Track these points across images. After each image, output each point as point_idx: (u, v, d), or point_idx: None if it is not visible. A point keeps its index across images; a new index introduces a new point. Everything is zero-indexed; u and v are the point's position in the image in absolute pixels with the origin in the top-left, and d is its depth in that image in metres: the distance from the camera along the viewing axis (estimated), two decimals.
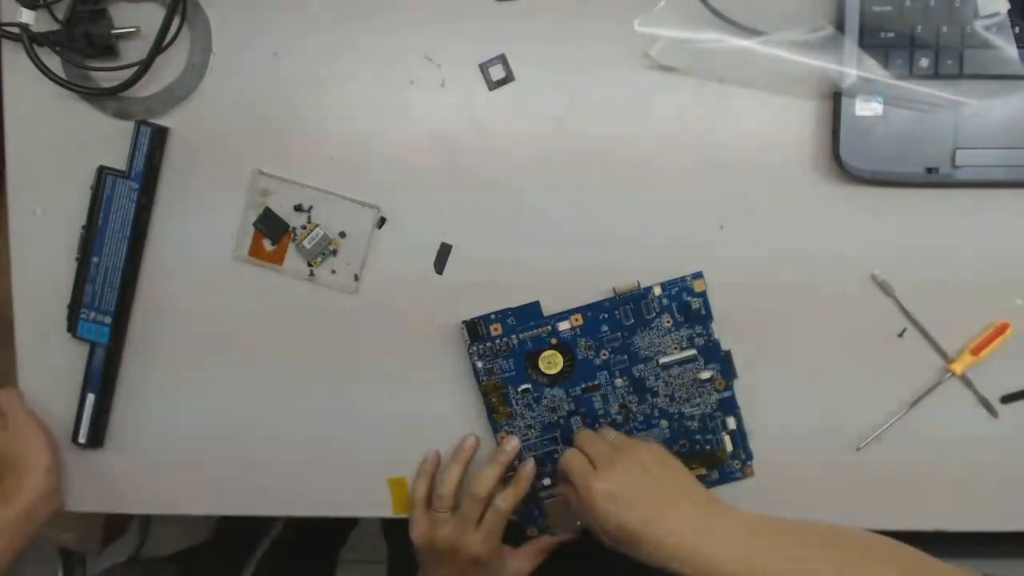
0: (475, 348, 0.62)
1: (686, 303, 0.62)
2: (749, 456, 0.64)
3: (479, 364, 0.62)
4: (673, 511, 0.53)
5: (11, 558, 0.60)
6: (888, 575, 0.49)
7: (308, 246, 0.63)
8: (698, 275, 0.62)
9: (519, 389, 0.63)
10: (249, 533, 1.18)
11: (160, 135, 0.62)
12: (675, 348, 0.62)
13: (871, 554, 0.50)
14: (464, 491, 0.62)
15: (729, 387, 0.63)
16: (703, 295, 0.62)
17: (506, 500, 0.62)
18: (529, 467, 0.63)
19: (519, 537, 0.66)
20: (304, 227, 0.63)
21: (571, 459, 0.58)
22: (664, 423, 0.63)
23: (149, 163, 0.62)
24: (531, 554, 0.66)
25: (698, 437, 0.64)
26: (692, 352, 0.62)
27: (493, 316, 0.62)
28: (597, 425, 0.63)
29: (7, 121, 0.64)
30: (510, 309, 0.62)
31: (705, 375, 0.63)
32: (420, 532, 0.64)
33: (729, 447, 0.63)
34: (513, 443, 0.63)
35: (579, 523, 0.65)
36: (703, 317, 0.62)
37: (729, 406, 0.63)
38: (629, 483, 0.55)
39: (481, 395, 0.63)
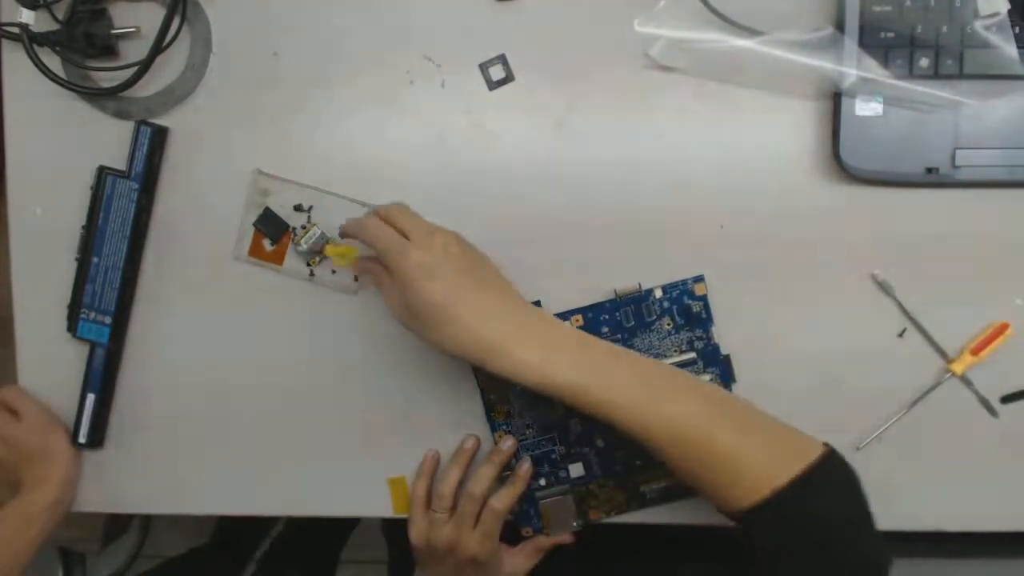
0: None
1: (687, 306, 0.62)
2: None
3: None
4: (485, 295, 0.51)
5: (43, 541, 0.63)
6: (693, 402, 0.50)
7: (305, 247, 0.63)
8: (699, 278, 0.62)
9: (518, 389, 0.63)
10: (249, 533, 1.19)
11: (160, 135, 0.62)
12: (675, 351, 0.62)
13: (670, 379, 0.52)
14: (461, 491, 0.62)
15: (728, 391, 0.63)
16: (704, 298, 0.62)
17: (502, 500, 0.62)
18: (526, 467, 0.63)
19: (517, 537, 0.66)
20: (304, 227, 0.63)
21: (379, 230, 0.52)
22: None
23: (149, 163, 0.62)
24: (528, 553, 0.66)
25: None
26: (692, 355, 0.62)
27: None
28: (595, 426, 0.63)
29: (7, 121, 0.64)
30: None
31: (704, 379, 0.63)
32: (418, 532, 0.64)
33: None
34: (510, 442, 0.63)
35: (575, 524, 0.65)
36: (703, 320, 0.62)
37: None
38: (447, 259, 0.51)
39: (480, 394, 0.63)
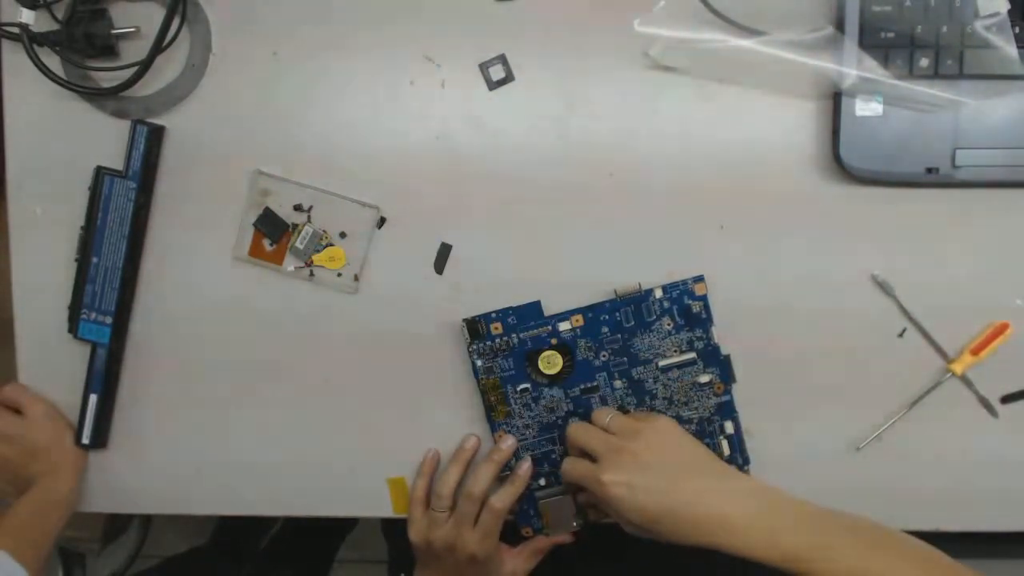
0: (475, 346, 0.62)
1: (687, 306, 0.62)
2: (746, 461, 0.64)
3: (479, 363, 0.62)
4: (688, 482, 0.53)
5: (61, 530, 0.64)
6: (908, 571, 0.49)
7: (300, 246, 0.63)
8: (699, 279, 0.62)
9: (518, 388, 0.63)
10: (249, 533, 1.19)
11: (156, 134, 0.62)
12: (675, 351, 0.62)
13: (893, 546, 0.51)
14: (460, 490, 0.62)
15: (728, 391, 0.63)
16: (704, 298, 0.62)
17: (502, 499, 0.62)
18: (526, 466, 0.63)
19: (517, 537, 0.66)
20: (295, 225, 0.63)
21: (572, 468, 0.57)
22: None
23: (146, 162, 0.62)
24: (528, 554, 0.66)
25: None
26: (692, 356, 0.62)
27: (494, 315, 0.62)
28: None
29: (7, 121, 0.64)
30: (511, 308, 0.62)
31: (704, 379, 0.63)
32: (417, 531, 0.64)
33: (727, 451, 0.63)
34: (509, 442, 0.63)
35: (575, 524, 0.65)
36: (703, 321, 0.62)
37: (727, 410, 0.63)
38: (638, 467, 0.54)
39: (480, 394, 0.63)
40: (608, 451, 0.55)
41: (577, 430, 0.59)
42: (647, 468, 0.54)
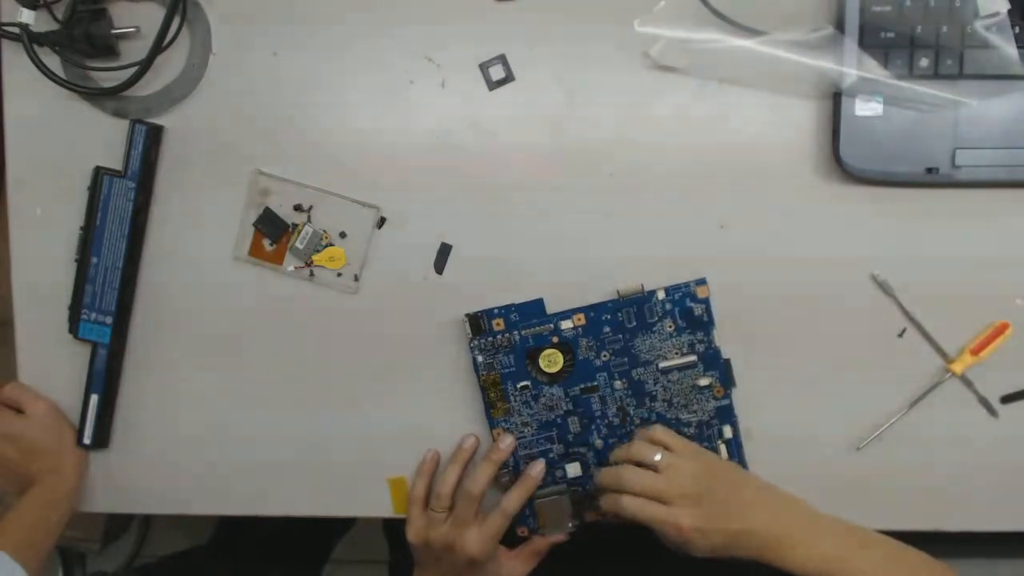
0: (476, 342, 0.62)
1: (689, 308, 0.62)
2: (744, 467, 0.63)
3: (480, 359, 0.63)
4: (748, 512, 0.56)
5: (62, 529, 0.64)
6: None
7: (300, 246, 0.63)
8: (701, 281, 0.61)
9: (518, 386, 0.63)
10: (249, 533, 1.18)
11: (155, 133, 0.62)
12: (676, 353, 0.62)
13: (909, 561, 0.56)
14: (459, 490, 0.62)
15: (727, 395, 0.63)
16: (706, 301, 0.62)
17: (511, 501, 0.61)
18: (538, 468, 0.63)
19: (514, 539, 0.66)
20: (295, 225, 0.63)
21: (641, 509, 0.56)
22: None
23: (145, 162, 0.62)
24: (527, 556, 0.65)
25: None
26: (692, 358, 0.62)
27: (496, 311, 0.62)
28: (594, 426, 0.63)
29: (7, 121, 0.64)
30: (513, 305, 0.62)
31: (704, 382, 0.62)
32: (416, 531, 0.63)
33: (725, 456, 0.63)
34: (508, 441, 0.63)
35: (571, 524, 0.65)
36: (705, 323, 0.62)
37: (726, 415, 0.63)
38: (710, 511, 0.55)
39: (480, 391, 0.63)
40: (680, 497, 0.56)
41: (632, 476, 0.57)
42: (715, 508, 0.55)
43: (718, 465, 0.59)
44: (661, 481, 0.57)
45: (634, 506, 0.56)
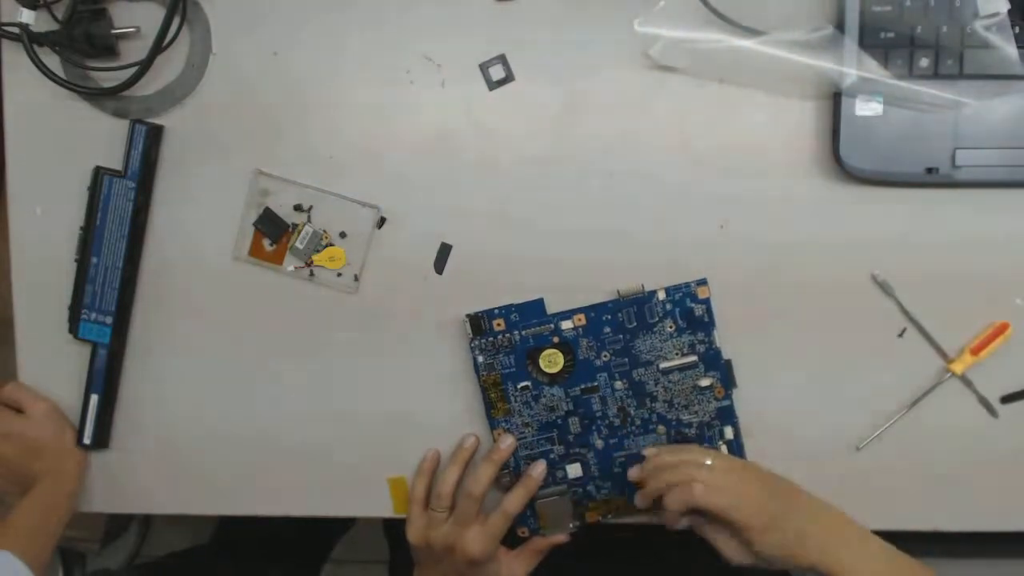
0: (477, 342, 0.62)
1: (689, 309, 0.62)
2: None
3: (480, 359, 0.63)
4: (802, 527, 0.56)
5: (62, 530, 0.64)
6: None
7: (300, 246, 0.63)
8: (702, 282, 0.61)
9: (518, 386, 0.63)
10: (249, 533, 1.18)
11: (155, 134, 0.62)
12: (676, 354, 0.62)
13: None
14: (459, 490, 0.62)
15: (728, 396, 0.63)
16: (707, 302, 0.62)
17: (513, 502, 0.61)
18: (540, 468, 0.63)
19: (513, 539, 0.66)
20: (295, 225, 0.63)
21: (718, 497, 0.55)
22: (661, 429, 0.63)
23: (145, 162, 0.62)
24: (527, 556, 0.65)
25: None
26: (693, 359, 0.62)
27: (497, 311, 0.62)
28: (595, 427, 0.63)
29: (7, 121, 0.64)
30: (514, 305, 0.62)
31: (705, 383, 0.62)
32: (416, 531, 0.63)
33: None
34: (508, 441, 0.63)
35: (572, 525, 0.65)
36: (706, 324, 0.62)
37: (727, 415, 0.63)
38: (778, 532, 0.55)
39: (480, 391, 0.63)
40: (745, 495, 0.56)
41: (700, 471, 0.57)
42: (776, 522, 0.55)
43: (769, 475, 0.59)
44: (726, 478, 0.57)
45: (707, 494, 0.56)
